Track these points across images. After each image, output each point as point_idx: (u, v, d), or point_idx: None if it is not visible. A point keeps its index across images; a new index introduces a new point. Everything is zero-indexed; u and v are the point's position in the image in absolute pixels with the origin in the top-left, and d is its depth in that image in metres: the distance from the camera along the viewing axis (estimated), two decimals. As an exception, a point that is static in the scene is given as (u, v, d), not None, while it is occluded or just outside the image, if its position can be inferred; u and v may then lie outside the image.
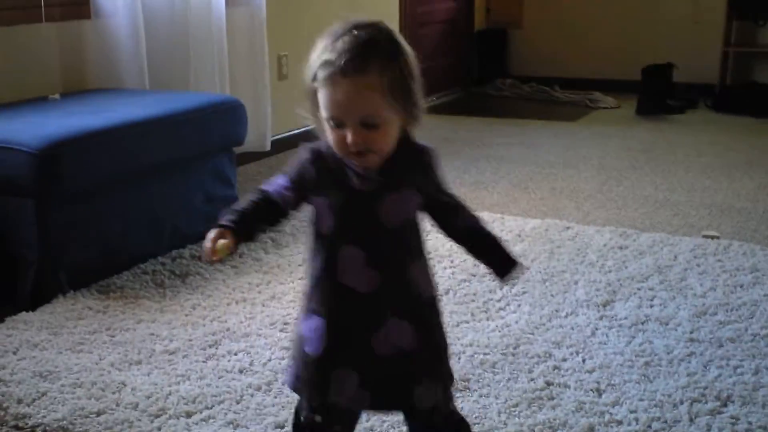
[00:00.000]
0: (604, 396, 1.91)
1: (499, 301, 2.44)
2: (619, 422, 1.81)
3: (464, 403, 1.87)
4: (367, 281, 1.31)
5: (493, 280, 1.45)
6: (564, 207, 3.44)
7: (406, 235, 1.35)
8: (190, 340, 2.21)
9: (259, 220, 1.35)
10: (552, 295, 2.48)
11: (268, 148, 4.05)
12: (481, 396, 1.92)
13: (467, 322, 2.31)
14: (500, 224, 3.10)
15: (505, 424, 1.80)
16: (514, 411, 1.85)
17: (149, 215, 2.82)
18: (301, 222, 3.21)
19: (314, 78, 1.27)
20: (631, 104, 5.52)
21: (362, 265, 1.31)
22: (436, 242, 2.90)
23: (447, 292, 2.49)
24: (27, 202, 2.50)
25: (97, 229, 2.65)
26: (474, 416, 1.83)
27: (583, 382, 1.97)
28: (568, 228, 3.07)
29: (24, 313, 2.37)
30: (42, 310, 2.38)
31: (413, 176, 1.34)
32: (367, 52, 1.23)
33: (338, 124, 1.26)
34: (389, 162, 1.31)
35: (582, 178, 3.90)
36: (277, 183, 1.35)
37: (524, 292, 2.49)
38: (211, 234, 1.29)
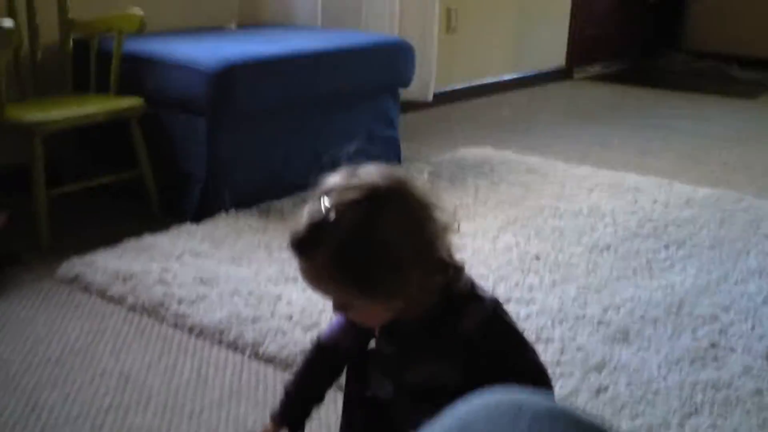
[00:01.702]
0: (775, 363, 1.78)
1: (663, 261, 2.32)
2: (791, 391, 1.68)
3: (623, 353, 1.79)
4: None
5: None
6: (736, 180, 3.24)
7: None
8: (345, 265, 2.22)
9: (321, 386, 1.27)
10: (721, 262, 2.33)
11: (431, 98, 4.02)
12: (640, 349, 1.82)
13: (628, 278, 2.21)
14: (668, 189, 2.95)
15: (665, 378, 1.71)
16: (676, 367, 1.75)
17: (311, 145, 2.84)
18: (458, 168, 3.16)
19: None
20: (817, 87, 5.15)
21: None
22: (598, 199, 2.83)
23: (608, 248, 2.40)
24: (199, 120, 2.57)
25: (262, 153, 2.71)
26: (632, 368, 1.74)
27: (751, 347, 1.85)
28: (741, 200, 2.89)
29: (188, 224, 2.46)
30: (205, 224, 2.46)
31: (437, 351, 1.11)
32: (315, 237, 1.01)
33: None
34: (407, 331, 1.11)
35: (757, 155, 3.66)
36: (332, 324, 1.25)
37: (691, 256, 2.36)
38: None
